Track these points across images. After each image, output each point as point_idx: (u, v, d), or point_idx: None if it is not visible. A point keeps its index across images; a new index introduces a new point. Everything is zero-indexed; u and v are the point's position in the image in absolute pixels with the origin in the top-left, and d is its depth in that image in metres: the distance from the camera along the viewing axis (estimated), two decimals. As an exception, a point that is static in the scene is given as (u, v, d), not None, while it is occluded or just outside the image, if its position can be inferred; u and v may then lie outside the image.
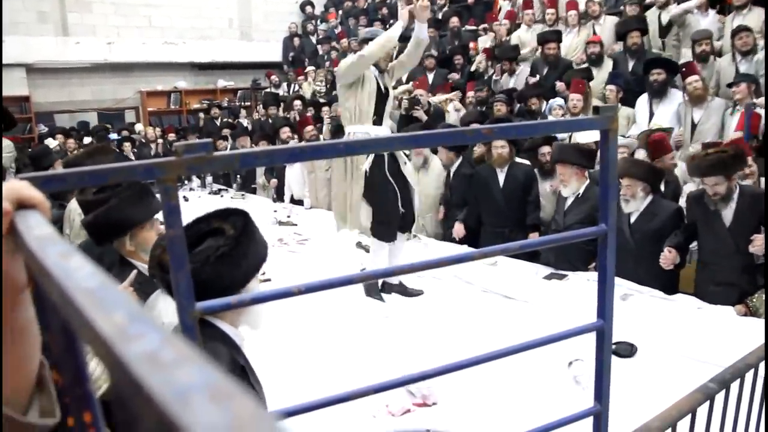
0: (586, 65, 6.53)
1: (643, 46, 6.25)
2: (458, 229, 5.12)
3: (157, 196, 1.01)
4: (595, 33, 7.01)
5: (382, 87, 3.94)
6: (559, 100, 6.01)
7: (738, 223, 3.59)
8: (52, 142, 8.86)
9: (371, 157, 3.86)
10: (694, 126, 5.20)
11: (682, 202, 4.13)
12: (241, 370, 1.52)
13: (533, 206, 4.88)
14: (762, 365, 1.95)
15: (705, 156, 3.64)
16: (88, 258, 0.46)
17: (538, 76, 6.89)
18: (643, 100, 5.62)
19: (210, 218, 1.55)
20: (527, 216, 4.88)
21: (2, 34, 8.64)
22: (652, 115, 5.50)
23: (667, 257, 3.70)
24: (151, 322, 0.32)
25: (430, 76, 7.92)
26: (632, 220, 3.98)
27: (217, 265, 1.44)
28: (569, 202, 4.38)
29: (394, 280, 4.08)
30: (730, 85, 5.11)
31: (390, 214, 3.97)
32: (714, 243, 3.71)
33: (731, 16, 6.04)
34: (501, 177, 4.93)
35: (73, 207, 3.29)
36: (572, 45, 7.22)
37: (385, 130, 3.96)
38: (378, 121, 3.91)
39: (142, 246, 2.18)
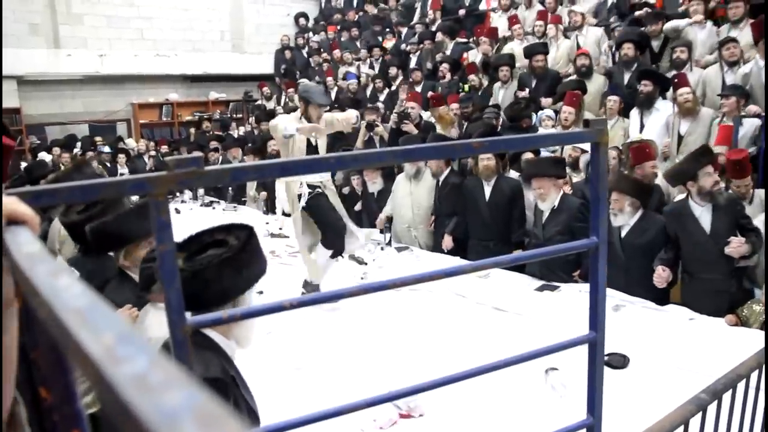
0: (575, 77, 6.54)
1: (636, 59, 6.25)
2: (447, 242, 5.14)
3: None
4: (578, 45, 7.07)
5: (312, 141, 4.29)
6: (548, 111, 6.03)
7: (717, 227, 3.64)
8: (46, 157, 8.83)
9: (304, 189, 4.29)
10: (681, 137, 5.24)
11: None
12: (231, 380, 1.52)
13: (518, 223, 4.87)
14: (754, 376, 1.96)
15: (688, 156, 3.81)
16: (77, 276, 0.46)
17: (527, 90, 6.92)
18: (634, 112, 5.67)
19: (213, 231, 1.59)
20: (512, 232, 4.87)
21: (2, 47, 8.62)
22: (642, 126, 5.54)
23: (662, 276, 3.72)
24: (139, 343, 0.31)
25: (418, 89, 7.95)
26: (623, 234, 3.99)
27: (220, 268, 1.46)
28: (546, 214, 4.41)
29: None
30: (721, 96, 5.15)
31: (335, 231, 4.38)
32: (697, 251, 3.75)
33: (725, 28, 6.06)
34: (487, 190, 4.93)
35: (60, 226, 3.27)
36: (556, 58, 7.28)
37: (317, 177, 4.27)
38: None
39: (136, 262, 2.18)
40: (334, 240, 4.31)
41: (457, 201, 5.20)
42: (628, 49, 6.23)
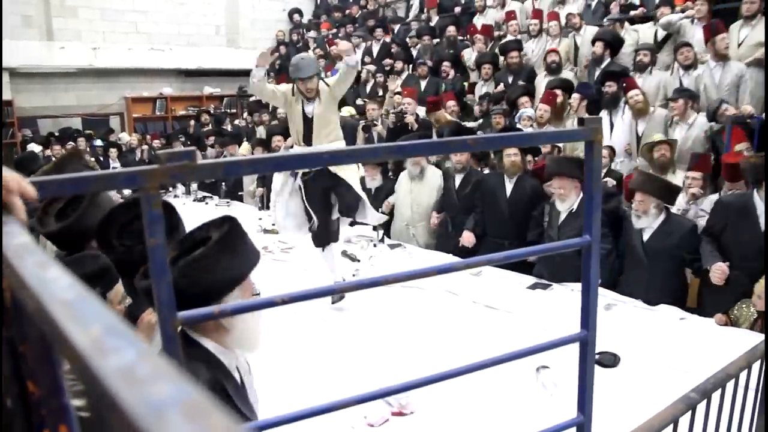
0: (564, 77, 6.60)
1: (602, 58, 6.39)
2: (468, 237, 4.97)
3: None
4: (576, 44, 7.10)
5: (308, 113, 4.08)
6: (528, 111, 6.04)
7: None
8: (36, 148, 8.77)
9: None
10: (639, 137, 5.40)
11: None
12: (223, 392, 1.47)
13: (536, 222, 4.70)
14: (743, 375, 1.97)
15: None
16: (66, 269, 0.45)
17: (502, 84, 7.06)
18: (604, 112, 5.75)
19: (209, 226, 1.52)
20: (528, 231, 4.73)
21: (1, 39, 8.55)
22: (612, 126, 5.64)
23: (724, 270, 3.54)
24: (127, 335, 0.31)
25: (423, 84, 7.94)
26: (645, 237, 3.90)
27: (189, 271, 1.37)
28: (563, 216, 4.32)
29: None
30: (670, 100, 5.30)
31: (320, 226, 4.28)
32: (745, 249, 3.57)
33: (738, 25, 6.03)
34: (509, 187, 4.84)
35: None
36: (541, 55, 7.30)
37: (318, 148, 4.05)
38: (308, 143, 4.14)
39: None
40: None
41: (477, 197, 5.09)
42: (598, 47, 6.40)
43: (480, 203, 5.03)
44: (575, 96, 5.88)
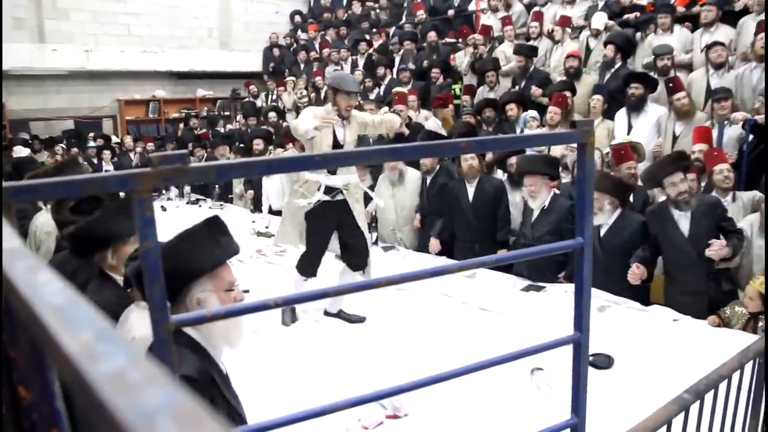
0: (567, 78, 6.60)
1: (613, 61, 6.41)
2: (434, 245, 5.08)
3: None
4: (589, 48, 7.09)
5: (340, 140, 3.85)
6: (532, 112, 6.07)
7: (696, 231, 3.68)
8: (23, 151, 8.72)
9: (315, 198, 3.85)
10: (675, 138, 5.34)
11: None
12: (210, 380, 1.50)
13: (503, 221, 4.86)
14: (735, 376, 1.98)
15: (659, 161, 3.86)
16: (57, 273, 0.45)
17: (517, 88, 7.02)
18: (621, 113, 5.72)
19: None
20: (497, 232, 4.86)
21: (2, 42, 8.50)
22: (630, 128, 5.61)
23: (635, 273, 3.77)
24: (118, 340, 0.31)
25: (406, 90, 7.95)
26: (602, 233, 4.03)
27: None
28: (536, 213, 4.40)
29: (333, 308, 4.00)
30: (716, 100, 5.18)
31: (313, 258, 4.04)
32: (675, 254, 3.80)
33: (699, 32, 6.20)
34: (470, 191, 4.91)
35: (40, 223, 3.21)
36: (560, 60, 7.27)
37: (343, 178, 3.88)
38: (333, 171, 3.86)
39: (124, 261, 2.15)
40: (300, 264, 4.10)
41: (442, 203, 5.18)
42: (609, 50, 6.42)
43: (446, 209, 5.10)
44: (597, 97, 5.86)
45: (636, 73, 5.98)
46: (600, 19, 7.03)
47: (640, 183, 4.45)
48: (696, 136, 4.78)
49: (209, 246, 1.55)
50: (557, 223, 4.23)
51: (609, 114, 5.88)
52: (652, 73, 6.05)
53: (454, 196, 5.00)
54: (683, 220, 3.74)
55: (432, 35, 8.68)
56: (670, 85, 5.43)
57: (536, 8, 8.01)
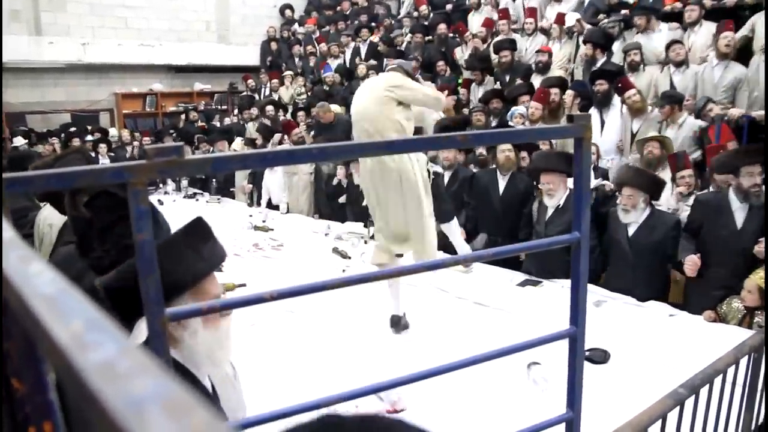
0: (559, 75, 6.63)
1: (594, 58, 6.48)
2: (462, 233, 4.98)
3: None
4: (579, 44, 7.09)
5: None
6: (520, 108, 6.07)
7: (748, 225, 3.59)
8: (20, 141, 8.71)
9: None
10: (633, 135, 5.45)
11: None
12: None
13: (527, 219, 4.73)
14: (731, 371, 1.99)
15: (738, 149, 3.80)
16: (52, 266, 0.45)
17: (498, 83, 7.12)
18: (594, 110, 5.80)
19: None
20: (519, 229, 4.75)
21: (2, 35, 8.45)
22: (603, 123, 5.71)
23: (696, 262, 3.63)
24: (109, 330, 0.31)
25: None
26: (630, 232, 3.92)
27: (129, 274, 1.28)
28: (550, 212, 4.34)
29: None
30: (657, 105, 5.37)
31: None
32: (720, 245, 3.66)
33: (685, 31, 6.30)
34: (502, 184, 4.85)
35: (44, 216, 3.20)
36: (557, 56, 7.27)
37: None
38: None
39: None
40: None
41: (469, 194, 5.09)
42: (588, 48, 6.52)
43: (473, 200, 5.02)
44: (569, 93, 5.93)
45: (598, 70, 6.09)
46: (571, 18, 7.17)
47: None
48: (723, 135, 4.80)
49: (190, 259, 1.40)
50: (571, 221, 4.15)
51: (585, 111, 5.90)
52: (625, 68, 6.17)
53: (484, 187, 4.92)
54: (739, 213, 3.64)
55: (442, 27, 8.65)
56: (619, 85, 5.57)
57: (531, 4, 8.04)
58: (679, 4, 6.47)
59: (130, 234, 1.92)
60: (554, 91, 6.11)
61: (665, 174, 4.51)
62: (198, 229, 1.43)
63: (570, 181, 4.36)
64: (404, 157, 3.37)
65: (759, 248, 3.46)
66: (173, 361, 1.46)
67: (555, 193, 4.26)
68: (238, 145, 8.40)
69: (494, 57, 7.51)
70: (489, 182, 4.91)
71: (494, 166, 5.03)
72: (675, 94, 5.36)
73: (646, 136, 4.87)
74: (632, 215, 3.89)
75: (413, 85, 3.45)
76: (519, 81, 6.89)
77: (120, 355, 0.28)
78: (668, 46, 5.84)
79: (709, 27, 6.02)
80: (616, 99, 5.70)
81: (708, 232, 3.73)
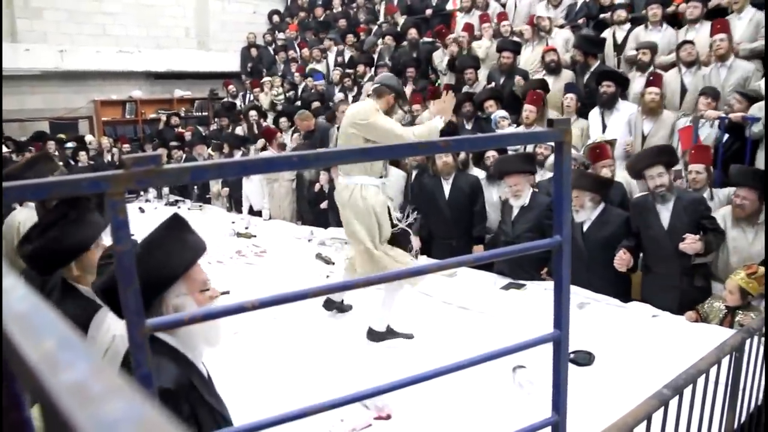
0: (541, 76, 6.61)
1: (587, 63, 6.45)
2: (414, 243, 5.03)
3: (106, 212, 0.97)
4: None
5: None
6: (502, 112, 6.04)
7: (675, 225, 3.74)
8: None
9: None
10: (644, 137, 5.36)
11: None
12: (190, 386, 1.48)
13: (479, 217, 4.89)
14: (713, 371, 2.01)
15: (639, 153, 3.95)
16: (22, 280, 0.43)
17: (493, 83, 7.02)
18: (595, 112, 5.76)
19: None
20: (473, 228, 4.89)
21: (1, 41, 8.31)
22: (605, 126, 5.64)
23: (623, 258, 3.80)
24: (81, 349, 0.30)
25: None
26: (585, 228, 4.07)
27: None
28: (515, 211, 4.43)
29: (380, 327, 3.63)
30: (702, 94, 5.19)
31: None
32: (654, 246, 3.86)
33: (684, 30, 6.23)
34: (447, 188, 4.92)
35: (23, 219, 3.15)
36: (529, 59, 7.32)
37: (392, 179, 3.86)
38: (385, 173, 3.86)
39: (89, 269, 2.03)
40: None
41: (417, 200, 5.16)
42: (579, 56, 6.51)
43: (423, 206, 5.08)
44: (571, 96, 5.88)
45: (607, 71, 6.02)
46: (560, 36, 7.19)
47: (619, 179, 4.50)
48: (683, 141, 4.83)
49: (178, 249, 1.50)
50: (537, 220, 4.25)
51: (583, 113, 5.91)
52: (633, 68, 6.12)
53: (431, 193, 4.99)
54: (665, 213, 3.80)
55: (413, 32, 8.65)
56: (651, 78, 5.47)
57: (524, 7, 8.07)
58: (684, 5, 6.39)
59: (62, 239, 1.94)
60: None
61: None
62: (176, 223, 1.53)
63: (533, 178, 4.52)
64: (355, 188, 3.57)
65: (684, 245, 3.61)
66: (169, 348, 1.47)
67: (522, 193, 4.37)
68: (205, 152, 8.36)
69: (494, 57, 7.47)
70: (434, 187, 4.98)
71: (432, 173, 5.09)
72: (714, 89, 5.21)
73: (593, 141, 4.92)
74: (582, 214, 4.03)
75: (378, 123, 3.46)
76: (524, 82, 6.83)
77: (92, 375, 0.27)
78: (679, 47, 5.72)
79: (708, 27, 5.93)
80: (621, 103, 5.63)
81: (643, 234, 3.91)
